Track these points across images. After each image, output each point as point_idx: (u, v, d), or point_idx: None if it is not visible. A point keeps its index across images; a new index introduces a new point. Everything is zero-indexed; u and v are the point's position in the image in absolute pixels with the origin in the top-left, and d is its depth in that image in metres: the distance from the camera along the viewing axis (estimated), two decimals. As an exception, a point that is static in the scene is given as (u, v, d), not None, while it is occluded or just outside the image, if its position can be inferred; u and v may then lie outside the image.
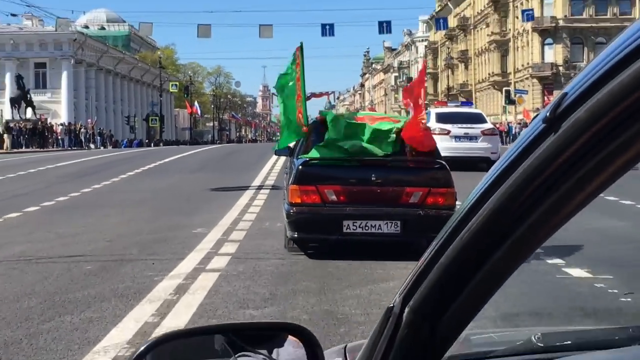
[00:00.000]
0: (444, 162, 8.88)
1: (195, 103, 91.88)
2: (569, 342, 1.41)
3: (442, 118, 22.72)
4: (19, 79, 59.44)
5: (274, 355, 1.21)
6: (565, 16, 67.25)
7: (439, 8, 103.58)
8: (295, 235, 8.58)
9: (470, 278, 0.86)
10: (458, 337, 0.97)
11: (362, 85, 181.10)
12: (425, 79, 12.89)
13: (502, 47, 76.46)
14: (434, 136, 10.90)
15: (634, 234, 10.54)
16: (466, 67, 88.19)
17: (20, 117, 56.47)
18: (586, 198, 0.74)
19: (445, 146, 16.62)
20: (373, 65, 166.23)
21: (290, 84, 10.12)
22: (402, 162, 9.11)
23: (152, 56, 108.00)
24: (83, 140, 58.01)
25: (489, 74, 78.98)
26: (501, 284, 0.87)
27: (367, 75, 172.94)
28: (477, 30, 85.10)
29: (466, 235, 0.85)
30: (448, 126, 21.78)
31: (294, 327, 1.18)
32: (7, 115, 57.81)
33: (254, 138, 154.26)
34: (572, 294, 6.95)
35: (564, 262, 7.94)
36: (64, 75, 71.43)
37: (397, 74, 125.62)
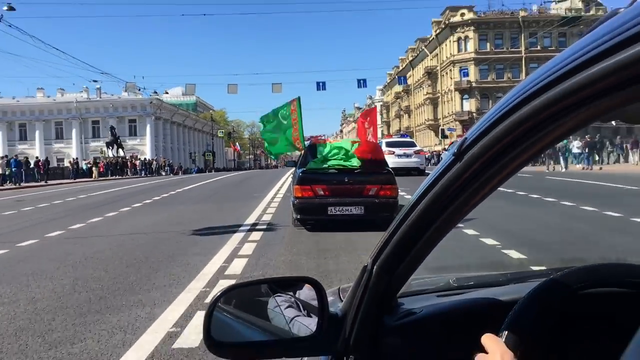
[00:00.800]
0: (390, 169, 8.51)
1: (237, 144, 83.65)
2: (472, 282, 1.38)
3: (389, 144, 21.84)
4: (112, 129, 50.94)
5: (297, 295, 1.21)
6: (477, 80, 58.97)
7: (390, 80, 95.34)
8: (298, 217, 8.14)
9: (413, 246, 0.87)
10: (406, 281, 0.98)
11: (341, 131, 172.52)
12: (377, 119, 11.23)
13: (433, 101, 67.91)
14: (385, 155, 10.02)
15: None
16: (409, 116, 79.66)
17: (113, 155, 48.18)
18: (478, 200, 0.75)
19: (392, 161, 15.67)
20: (347, 119, 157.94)
21: (285, 122, 9.19)
22: (364, 170, 8.19)
23: (210, 115, 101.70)
24: (153, 170, 48.98)
25: (425, 119, 70.49)
26: (432, 249, 0.88)
27: (344, 125, 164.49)
28: (416, 92, 76.63)
29: (411, 220, 0.85)
30: (393, 149, 21.04)
31: (309, 279, 1.12)
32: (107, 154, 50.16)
33: (275, 165, 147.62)
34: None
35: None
36: (148, 127, 62.75)
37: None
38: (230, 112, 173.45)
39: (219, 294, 1.10)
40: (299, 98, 9.40)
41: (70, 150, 62.07)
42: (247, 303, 1.19)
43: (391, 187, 7.98)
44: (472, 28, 59.62)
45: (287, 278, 1.38)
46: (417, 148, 23.02)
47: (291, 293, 1.21)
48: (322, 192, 7.96)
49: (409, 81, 79.72)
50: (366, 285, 0.97)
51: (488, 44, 59.89)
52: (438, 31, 64.31)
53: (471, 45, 59.95)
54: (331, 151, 8.43)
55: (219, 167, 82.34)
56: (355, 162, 8.22)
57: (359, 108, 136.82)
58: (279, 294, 1.18)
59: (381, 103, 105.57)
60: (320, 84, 34.42)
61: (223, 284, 4.88)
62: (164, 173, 51.55)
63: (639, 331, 0.46)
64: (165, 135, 67.22)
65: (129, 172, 44.21)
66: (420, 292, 1.28)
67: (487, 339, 0.70)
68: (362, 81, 34.31)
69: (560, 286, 0.82)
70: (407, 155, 21.39)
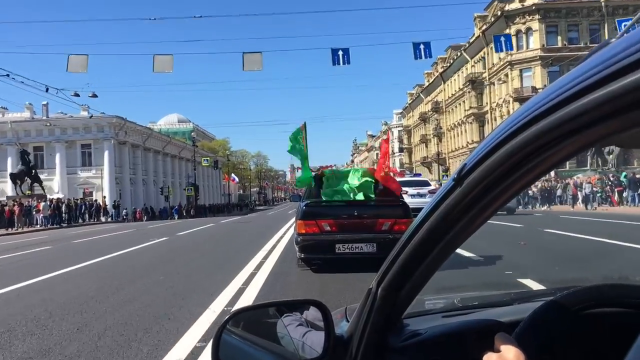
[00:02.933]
0: (404, 201, 7.37)
1: (233, 175, 65.15)
2: (476, 302, 1.32)
3: (402, 184, 13.50)
4: (23, 154, 32.59)
5: (304, 316, 1.16)
6: (545, 85, 40.07)
7: (411, 99, 76.85)
8: (302, 256, 6.97)
9: (417, 268, 0.84)
10: (410, 303, 0.95)
11: (352, 162, 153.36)
12: (389, 148, 8.79)
13: (479, 118, 48.95)
14: None
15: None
16: (440, 140, 60.60)
17: (22, 193, 29.59)
18: (479, 224, 0.73)
19: (405, 201, 10.69)
20: (359, 148, 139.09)
21: (298, 146, 7.90)
22: (376, 202, 7.11)
23: (208, 144, 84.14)
24: (65, 215, 29.89)
25: (467, 142, 51.30)
26: (435, 271, 0.85)
27: (355, 155, 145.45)
28: (450, 110, 57.85)
29: (414, 243, 0.82)
30: (406, 188, 16.54)
31: (315, 301, 1.10)
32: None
33: (283, 197, 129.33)
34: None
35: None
36: (106, 154, 44.32)
37: (377, 152, 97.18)
38: (234, 142, 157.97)
39: (227, 317, 1.07)
40: (304, 124, 8.11)
41: (5, 186, 43.84)
42: (256, 326, 1.15)
43: (407, 221, 6.70)
44: (537, 17, 41.19)
45: (293, 301, 1.29)
46: (432, 187, 19.31)
47: (298, 313, 1.16)
48: (328, 228, 6.85)
49: (440, 97, 61.11)
50: (371, 306, 0.94)
51: (559, 38, 41.36)
52: (485, 27, 45.97)
53: (536, 40, 41.44)
54: (339, 180, 7.42)
55: (210, 203, 63.81)
56: (368, 194, 7.22)
57: (372, 136, 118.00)
58: (287, 315, 1.14)
59: (400, 128, 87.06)
60: (340, 53, 15.90)
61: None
62: (104, 219, 32.83)
63: (637, 340, 0.45)
64: (135, 165, 48.84)
65: (16, 223, 25.06)
66: (426, 312, 1.23)
67: (501, 338, 0.67)
68: (423, 46, 15.72)
69: (563, 307, 0.80)
70: (421, 195, 17.81)
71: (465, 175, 0.69)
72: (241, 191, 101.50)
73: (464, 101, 52.40)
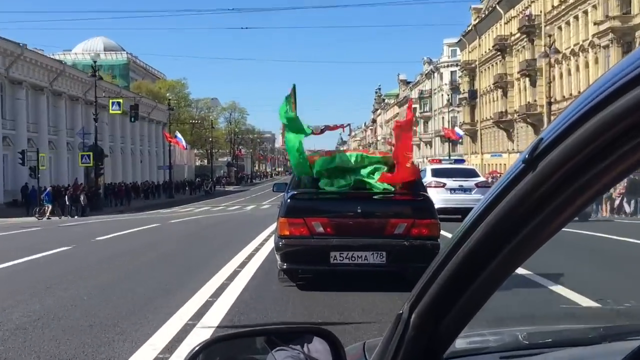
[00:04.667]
0: (427, 194, 7.19)
1: (177, 134, 52.29)
2: (550, 340, 1.31)
3: (437, 173, 17.60)
4: None
5: (305, 350, 1.12)
6: None
7: (477, 20, 63.47)
8: (285, 267, 6.82)
9: (467, 288, 0.80)
10: (456, 336, 0.91)
11: (374, 121, 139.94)
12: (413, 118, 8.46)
13: (623, 37, 35.70)
14: (430, 189, 8.20)
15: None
16: (531, 83, 47.63)
17: None
18: (560, 224, 0.68)
19: (442, 197, 13.15)
20: (385, 101, 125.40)
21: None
22: (387, 195, 7.04)
23: (149, 86, 71.91)
24: None
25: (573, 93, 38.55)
26: (491, 294, 0.80)
27: (379, 111, 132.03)
28: (552, 31, 44.70)
29: (464, 251, 0.78)
30: (443, 180, 16.88)
31: (321, 330, 1.09)
32: None
33: (269, 172, 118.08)
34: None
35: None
36: None
37: (416, 105, 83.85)
38: (195, 89, 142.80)
39: (198, 348, 1.05)
40: (294, 86, 8.25)
41: None
42: None
43: (430, 222, 6.75)
44: None
45: (290, 328, 1.28)
46: (481, 179, 18.57)
47: (298, 347, 1.12)
48: (321, 229, 6.77)
49: (535, 7, 47.86)
50: (401, 339, 0.90)
51: None
52: None
53: None
54: (340, 165, 7.35)
55: (138, 181, 51.81)
56: (376, 185, 7.16)
57: (406, 82, 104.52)
58: (279, 349, 1.10)
59: (455, 68, 74.04)
60: None
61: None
62: None
63: None
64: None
65: None
66: (477, 351, 1.21)
67: None
68: None
69: None
70: (465, 190, 16.83)
71: (541, 154, 0.65)
72: (205, 162, 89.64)
73: (587, 10, 39.21)
